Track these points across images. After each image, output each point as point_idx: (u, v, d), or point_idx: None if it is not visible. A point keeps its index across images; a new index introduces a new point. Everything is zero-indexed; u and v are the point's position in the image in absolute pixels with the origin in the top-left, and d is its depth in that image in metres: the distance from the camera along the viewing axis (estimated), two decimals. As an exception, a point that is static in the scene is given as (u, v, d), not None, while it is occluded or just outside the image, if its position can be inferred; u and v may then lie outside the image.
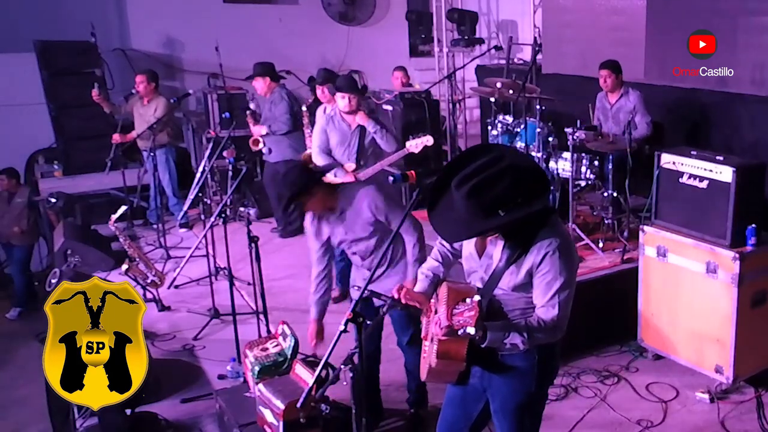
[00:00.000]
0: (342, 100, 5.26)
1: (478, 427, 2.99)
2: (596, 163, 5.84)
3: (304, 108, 6.78)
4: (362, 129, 5.37)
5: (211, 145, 7.22)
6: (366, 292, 2.95)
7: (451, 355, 2.68)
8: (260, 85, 6.98)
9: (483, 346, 2.60)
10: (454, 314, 2.48)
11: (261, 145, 7.00)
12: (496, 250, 2.69)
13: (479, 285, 2.76)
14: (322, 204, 3.72)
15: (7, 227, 8.10)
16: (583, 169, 5.84)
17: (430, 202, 2.70)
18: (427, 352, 2.85)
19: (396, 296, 2.81)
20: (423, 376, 2.89)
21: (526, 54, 9.33)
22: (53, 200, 7.69)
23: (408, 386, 4.27)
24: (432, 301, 2.94)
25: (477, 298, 2.53)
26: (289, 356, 4.08)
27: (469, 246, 2.83)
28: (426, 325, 2.93)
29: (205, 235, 5.63)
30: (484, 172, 2.49)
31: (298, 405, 3.02)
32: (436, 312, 2.82)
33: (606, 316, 5.01)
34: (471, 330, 2.44)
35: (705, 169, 4.35)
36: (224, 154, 6.90)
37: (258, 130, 6.94)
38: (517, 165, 2.52)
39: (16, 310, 8.11)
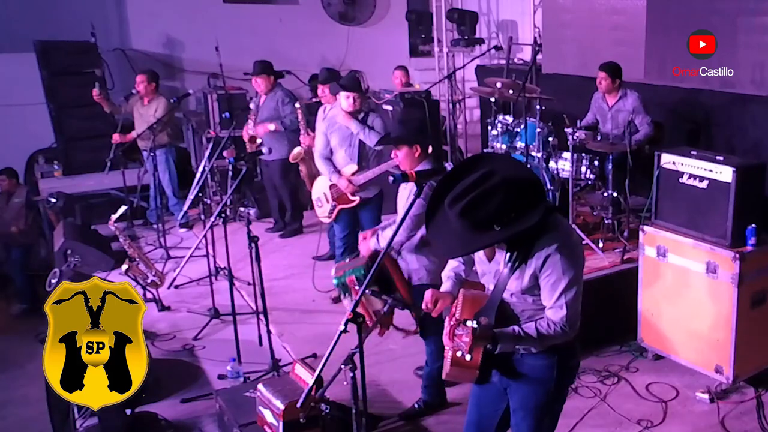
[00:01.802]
0: (346, 100, 5.27)
1: (504, 425, 2.99)
2: (596, 163, 5.85)
3: (297, 105, 6.79)
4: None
5: (211, 145, 7.23)
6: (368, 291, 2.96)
7: (464, 364, 2.70)
8: (263, 82, 6.97)
9: (496, 353, 2.64)
10: (455, 335, 2.54)
11: (258, 141, 6.98)
12: (502, 256, 2.71)
13: (491, 287, 2.79)
14: (408, 161, 3.94)
15: (6, 227, 8.09)
16: (583, 169, 5.85)
17: (427, 217, 2.72)
18: (447, 351, 2.87)
19: (427, 306, 2.89)
20: (444, 374, 2.91)
21: (526, 54, 9.33)
22: (53, 200, 7.69)
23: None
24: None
25: (473, 324, 2.55)
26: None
27: (479, 251, 2.84)
28: (447, 325, 2.94)
29: (205, 235, 5.63)
30: (476, 190, 2.48)
31: (298, 405, 3.02)
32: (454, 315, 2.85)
33: (606, 316, 5.00)
34: (468, 357, 2.52)
35: (705, 169, 4.35)
36: (224, 154, 6.90)
37: (264, 128, 6.90)
38: (510, 178, 2.51)
39: (20, 306, 8.11)
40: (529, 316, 2.72)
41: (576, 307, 2.64)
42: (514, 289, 2.68)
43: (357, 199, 5.38)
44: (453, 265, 3.07)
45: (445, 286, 3.03)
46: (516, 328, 2.67)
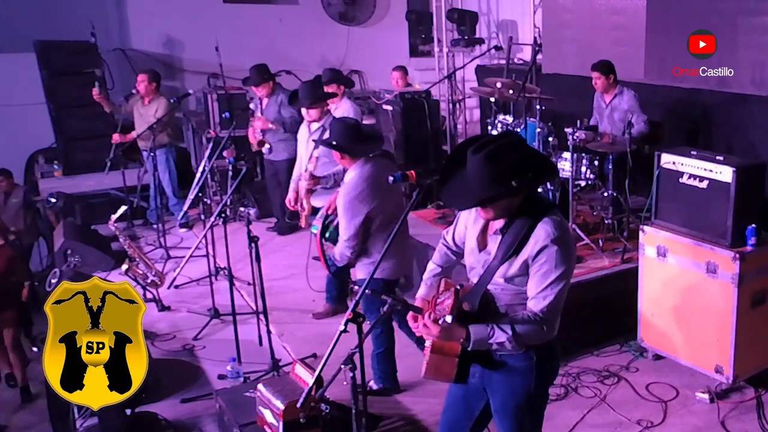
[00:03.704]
0: (302, 110, 5.37)
1: (480, 425, 2.99)
2: (596, 163, 5.84)
3: None
4: (321, 133, 5.32)
5: (211, 145, 7.23)
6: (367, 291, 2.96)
7: (446, 351, 2.68)
8: (263, 89, 7.01)
9: (469, 348, 2.61)
10: (437, 304, 2.54)
11: (266, 146, 6.99)
12: (494, 245, 2.70)
13: (476, 281, 2.77)
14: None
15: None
16: (583, 169, 5.84)
17: (441, 178, 2.76)
18: (426, 349, 2.86)
19: (413, 325, 2.81)
20: (422, 372, 2.89)
21: (526, 54, 9.33)
22: (53, 200, 7.69)
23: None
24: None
25: (457, 286, 2.60)
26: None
27: (471, 241, 2.84)
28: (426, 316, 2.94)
29: (205, 235, 5.63)
30: (500, 141, 2.59)
31: (298, 405, 3.02)
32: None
33: (606, 316, 5.01)
34: (448, 318, 2.51)
35: (705, 169, 4.35)
36: (224, 154, 6.90)
37: (264, 123, 6.89)
38: (527, 145, 2.69)
39: None
40: (512, 311, 2.69)
41: (559, 302, 2.62)
42: (501, 276, 2.67)
43: (304, 208, 5.38)
44: (432, 269, 3.05)
45: (421, 291, 3.00)
46: (491, 323, 2.60)
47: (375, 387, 4.43)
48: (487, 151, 2.54)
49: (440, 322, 2.53)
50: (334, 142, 4.22)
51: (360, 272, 4.30)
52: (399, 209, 4.19)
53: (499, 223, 2.70)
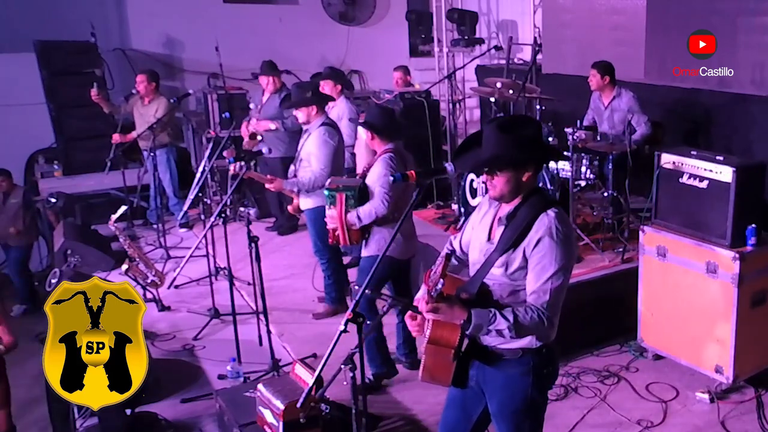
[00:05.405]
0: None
1: (480, 428, 2.98)
2: (596, 163, 5.85)
3: None
4: (306, 138, 5.31)
5: (211, 145, 7.22)
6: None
7: (443, 342, 2.66)
8: (274, 83, 7.02)
9: (468, 332, 2.59)
10: (430, 277, 2.53)
11: (258, 138, 6.98)
12: (498, 234, 2.71)
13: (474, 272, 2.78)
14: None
15: (4, 228, 8.05)
16: (583, 169, 5.85)
17: (457, 152, 2.92)
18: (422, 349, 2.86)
19: (410, 324, 2.82)
20: (419, 374, 2.88)
21: (526, 54, 9.33)
22: (53, 200, 7.69)
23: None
24: None
25: (448, 251, 2.75)
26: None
27: (477, 237, 2.83)
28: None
29: (205, 235, 5.63)
30: (514, 117, 2.85)
31: (298, 405, 3.02)
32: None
33: (606, 316, 5.02)
34: (439, 285, 2.52)
35: (705, 169, 4.35)
36: (224, 154, 6.89)
37: (265, 124, 6.90)
38: (539, 128, 2.80)
39: (20, 307, 8.10)
40: (506, 304, 2.68)
41: (558, 299, 2.61)
42: (501, 265, 2.66)
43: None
44: None
45: (420, 294, 2.94)
46: (493, 309, 2.59)
47: (371, 374, 4.43)
48: (501, 120, 2.70)
49: (433, 293, 2.52)
50: (369, 122, 4.36)
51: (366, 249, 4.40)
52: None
53: (505, 211, 2.72)
